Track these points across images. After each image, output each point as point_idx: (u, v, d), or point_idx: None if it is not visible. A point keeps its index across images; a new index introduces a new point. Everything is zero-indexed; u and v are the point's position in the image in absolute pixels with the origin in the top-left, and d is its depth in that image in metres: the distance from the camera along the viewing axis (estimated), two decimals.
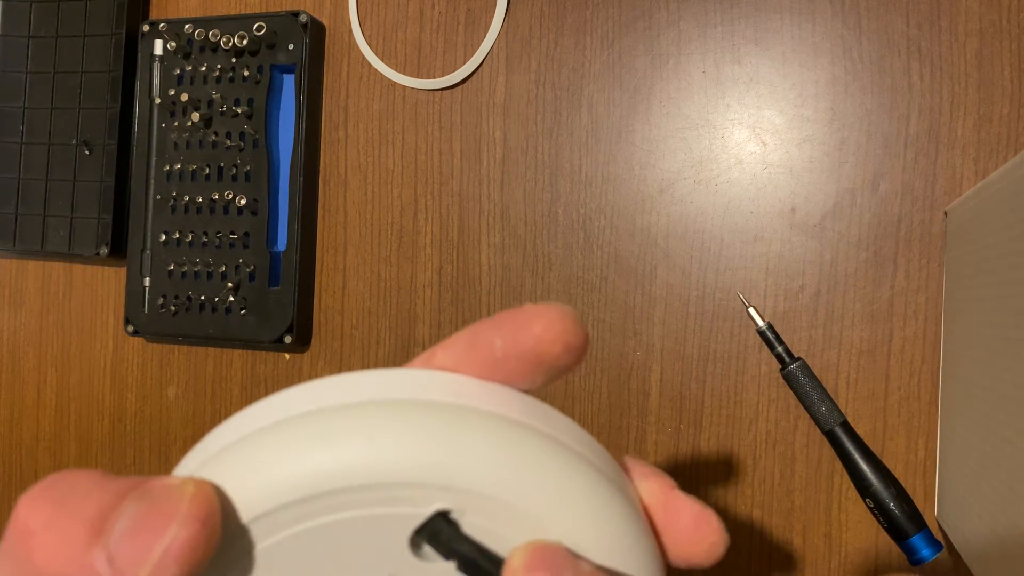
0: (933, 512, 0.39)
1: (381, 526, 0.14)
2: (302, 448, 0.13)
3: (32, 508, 0.13)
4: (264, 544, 0.14)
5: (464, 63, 0.46)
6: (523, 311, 0.15)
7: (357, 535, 0.14)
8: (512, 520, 0.14)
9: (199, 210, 0.48)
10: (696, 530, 0.16)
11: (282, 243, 0.48)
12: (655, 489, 0.16)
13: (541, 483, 0.14)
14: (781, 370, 0.40)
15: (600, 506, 0.14)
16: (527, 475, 0.14)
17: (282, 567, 0.14)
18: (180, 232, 0.49)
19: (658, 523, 0.16)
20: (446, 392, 0.14)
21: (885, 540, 0.39)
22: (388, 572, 0.14)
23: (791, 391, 0.40)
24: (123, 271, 0.52)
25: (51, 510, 0.13)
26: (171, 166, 0.49)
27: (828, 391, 0.40)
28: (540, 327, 0.14)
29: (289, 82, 0.49)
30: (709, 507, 0.16)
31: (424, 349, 0.46)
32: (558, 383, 0.44)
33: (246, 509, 0.13)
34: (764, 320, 0.41)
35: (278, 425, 0.14)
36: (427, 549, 0.14)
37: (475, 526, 0.14)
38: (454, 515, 0.14)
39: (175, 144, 0.49)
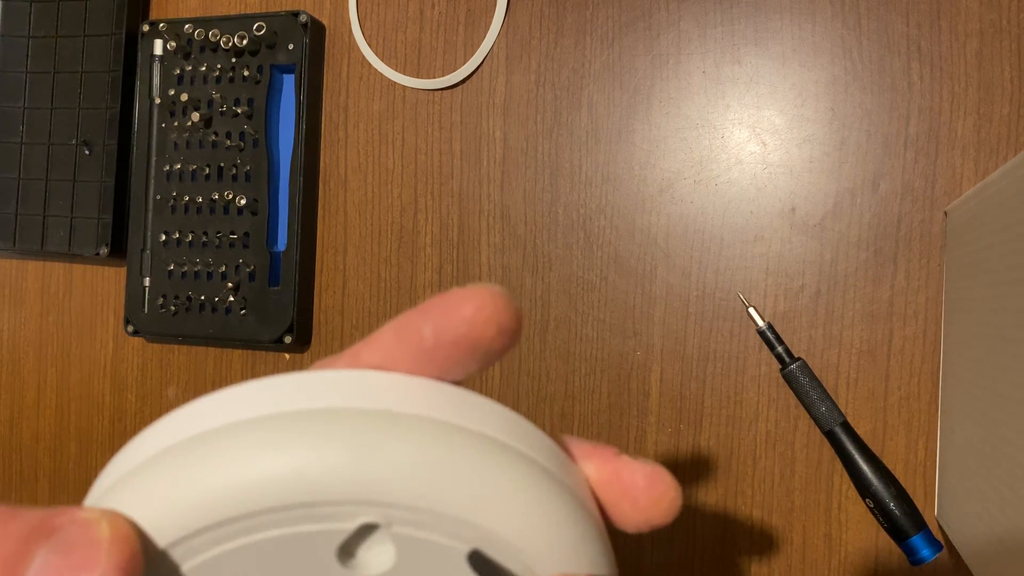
0: (933, 512, 0.39)
1: (306, 543, 0.13)
2: (216, 468, 0.13)
3: None
4: (185, 567, 0.13)
5: (464, 63, 0.46)
6: (451, 295, 0.14)
7: (281, 553, 0.13)
8: (444, 527, 0.13)
9: (199, 210, 0.48)
10: (653, 489, 0.15)
11: (282, 243, 0.48)
12: (601, 464, 0.16)
13: (468, 487, 0.13)
14: (781, 370, 0.40)
15: (535, 502, 0.14)
16: (451, 481, 0.13)
17: None
18: (180, 232, 0.49)
19: (615, 492, 0.16)
20: (368, 396, 0.14)
21: (885, 540, 0.39)
22: None
23: (791, 391, 0.40)
24: (123, 271, 0.52)
25: None
26: (171, 166, 0.49)
27: (828, 391, 0.39)
28: (471, 310, 0.14)
29: (289, 82, 0.49)
30: (658, 464, 0.16)
31: None
32: (558, 384, 0.44)
33: (162, 534, 0.13)
34: (764, 320, 0.41)
35: (191, 442, 0.13)
36: (358, 559, 0.14)
37: (404, 536, 0.13)
38: (381, 527, 0.13)
39: (175, 144, 0.49)
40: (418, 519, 0.13)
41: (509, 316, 0.14)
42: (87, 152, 0.50)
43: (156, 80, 0.49)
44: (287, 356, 0.49)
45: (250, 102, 0.47)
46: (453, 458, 0.13)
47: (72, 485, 0.53)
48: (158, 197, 0.49)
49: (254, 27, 0.47)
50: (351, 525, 0.13)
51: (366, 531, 0.14)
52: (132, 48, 0.50)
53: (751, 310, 0.40)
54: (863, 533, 0.40)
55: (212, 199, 0.48)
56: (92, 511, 0.12)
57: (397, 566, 0.14)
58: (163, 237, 0.49)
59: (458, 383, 0.15)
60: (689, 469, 0.42)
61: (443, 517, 0.13)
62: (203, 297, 0.48)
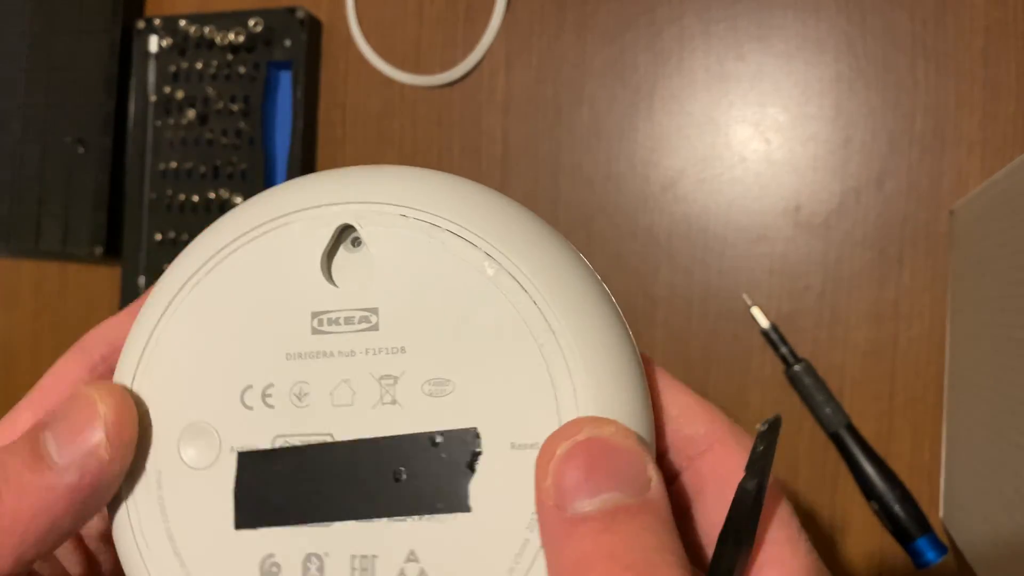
0: (938, 515, 0.38)
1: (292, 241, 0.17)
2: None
3: None
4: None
5: (463, 59, 0.45)
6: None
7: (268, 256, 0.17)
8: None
9: (195, 209, 0.48)
10: None
11: None
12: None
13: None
14: (785, 371, 0.39)
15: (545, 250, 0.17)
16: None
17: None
18: (176, 231, 0.48)
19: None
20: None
21: (890, 543, 0.39)
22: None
23: (795, 392, 0.40)
24: (118, 271, 0.51)
25: None
26: (166, 164, 0.48)
27: (833, 393, 0.39)
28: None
29: (286, 79, 0.48)
30: None
31: None
32: None
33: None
34: (768, 321, 0.40)
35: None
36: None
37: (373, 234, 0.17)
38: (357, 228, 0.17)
39: (170, 142, 0.48)
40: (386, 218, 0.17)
41: None
42: (81, 150, 0.50)
43: (151, 77, 0.49)
44: None
45: (246, 99, 0.47)
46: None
47: None
48: (153, 196, 0.49)
49: (250, 23, 0.46)
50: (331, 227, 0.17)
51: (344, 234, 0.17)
52: (127, 45, 0.50)
53: (755, 310, 0.40)
54: (868, 536, 0.39)
55: (208, 198, 0.47)
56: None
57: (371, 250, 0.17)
58: (159, 236, 0.48)
59: None
60: None
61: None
62: None
